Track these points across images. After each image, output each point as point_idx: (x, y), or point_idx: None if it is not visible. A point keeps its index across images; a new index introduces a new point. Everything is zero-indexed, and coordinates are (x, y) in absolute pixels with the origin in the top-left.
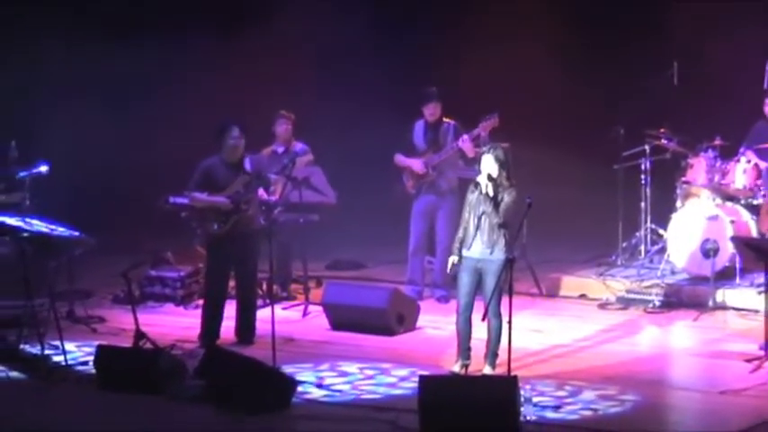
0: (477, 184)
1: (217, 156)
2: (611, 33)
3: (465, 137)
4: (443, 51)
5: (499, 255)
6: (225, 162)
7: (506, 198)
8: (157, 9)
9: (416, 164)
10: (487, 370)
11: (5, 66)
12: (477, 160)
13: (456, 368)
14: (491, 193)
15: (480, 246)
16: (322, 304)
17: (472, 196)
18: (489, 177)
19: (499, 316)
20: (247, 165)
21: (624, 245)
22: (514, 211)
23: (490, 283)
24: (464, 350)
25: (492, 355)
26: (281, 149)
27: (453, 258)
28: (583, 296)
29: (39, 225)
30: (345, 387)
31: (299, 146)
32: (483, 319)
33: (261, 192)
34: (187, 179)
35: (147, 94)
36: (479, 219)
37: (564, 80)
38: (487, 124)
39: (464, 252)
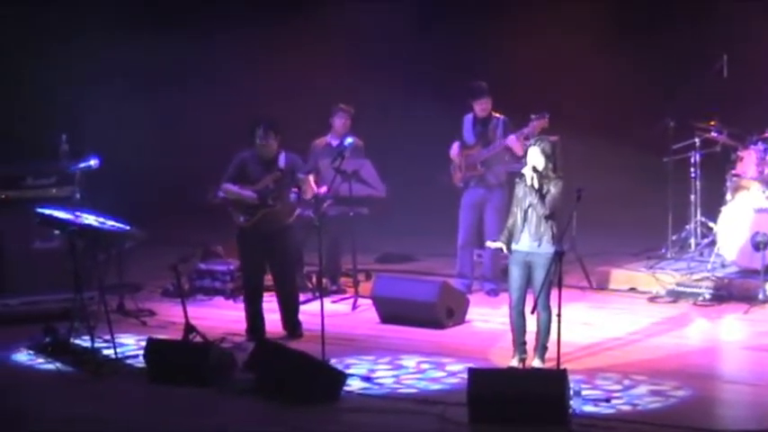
0: (522, 177)
1: (252, 149)
2: (661, 25)
3: (512, 137)
4: (488, 40)
5: (547, 247)
6: (259, 157)
7: (552, 190)
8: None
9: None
10: (537, 363)
11: (50, 58)
12: (523, 155)
13: (513, 362)
14: (536, 186)
15: (528, 239)
16: (371, 297)
17: (519, 189)
18: (534, 169)
19: (548, 309)
20: (282, 161)
21: (674, 238)
22: (562, 202)
23: (539, 276)
24: (519, 344)
25: (541, 348)
26: (335, 142)
27: (500, 244)
28: (632, 289)
29: (89, 219)
30: (394, 380)
31: (349, 139)
32: (532, 312)
33: (293, 190)
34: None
35: (196, 84)
36: (526, 211)
37: (614, 73)
38: (537, 124)
39: (513, 245)
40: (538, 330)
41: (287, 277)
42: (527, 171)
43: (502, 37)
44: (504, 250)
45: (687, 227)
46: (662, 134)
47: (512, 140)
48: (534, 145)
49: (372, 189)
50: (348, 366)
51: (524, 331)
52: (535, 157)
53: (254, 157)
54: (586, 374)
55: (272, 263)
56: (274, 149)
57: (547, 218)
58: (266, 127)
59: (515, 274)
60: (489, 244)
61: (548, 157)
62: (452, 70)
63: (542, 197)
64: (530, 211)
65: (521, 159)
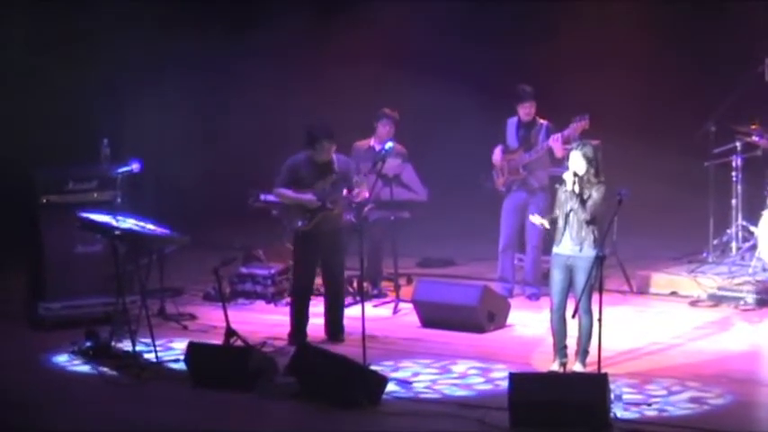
0: (563, 181)
1: (305, 153)
2: (702, 29)
3: (556, 136)
4: (532, 46)
5: (588, 251)
6: (313, 160)
7: (594, 194)
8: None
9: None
10: (578, 367)
11: (89, 62)
12: (564, 159)
13: (554, 367)
14: (577, 191)
15: (569, 242)
16: (412, 301)
17: (561, 193)
18: (575, 174)
19: (590, 313)
20: (336, 164)
21: (715, 242)
22: (604, 207)
23: (580, 280)
24: (560, 348)
25: (583, 352)
26: (378, 147)
27: (543, 220)
28: (674, 293)
29: (130, 223)
30: (434, 384)
31: (390, 143)
32: (573, 316)
33: (345, 192)
34: (276, 177)
35: (239, 88)
36: (567, 215)
37: (655, 77)
38: (578, 126)
39: (554, 249)
40: (579, 334)
41: (338, 279)
42: (568, 176)
43: (546, 42)
44: (546, 225)
45: (728, 231)
46: (703, 139)
47: (555, 140)
48: (576, 149)
49: (414, 193)
50: (389, 370)
51: (565, 335)
52: (577, 162)
53: (307, 160)
54: (627, 379)
55: (324, 264)
56: (330, 155)
57: (588, 223)
58: (329, 140)
59: (557, 277)
60: (533, 219)
61: (589, 162)
62: (498, 75)
63: (583, 202)
64: (571, 215)
65: (561, 162)
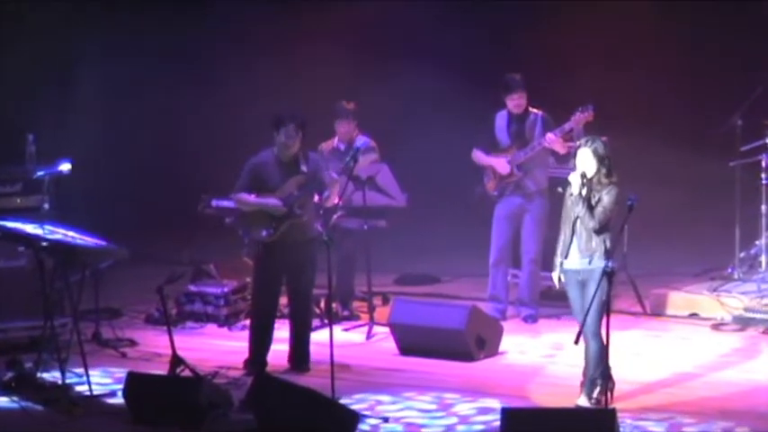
0: (569, 184)
1: (269, 150)
2: (727, 18)
3: (551, 135)
4: (527, 33)
5: (599, 264)
6: (278, 159)
7: (605, 198)
8: None
9: (499, 162)
10: (582, 401)
11: (14, 52)
12: (571, 156)
13: (581, 401)
14: (584, 194)
15: (578, 255)
16: (389, 325)
17: (567, 198)
18: (583, 176)
19: (599, 337)
20: (303, 163)
21: (742, 255)
22: (617, 213)
23: (589, 297)
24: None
25: (590, 383)
26: (343, 146)
27: (555, 274)
28: (693, 315)
29: (60, 233)
30: (416, 421)
31: (361, 139)
32: (576, 342)
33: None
34: (234, 179)
35: (188, 81)
36: (574, 223)
37: (671, 66)
38: (580, 118)
39: (564, 263)
40: (586, 363)
41: (305, 298)
42: (574, 177)
43: (543, 28)
44: (556, 281)
45: (757, 242)
46: (729, 134)
47: (551, 138)
48: (585, 146)
49: (390, 198)
50: (362, 405)
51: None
52: (586, 161)
53: (270, 160)
54: (639, 414)
55: (290, 282)
56: (297, 149)
57: (598, 231)
58: (298, 123)
59: (573, 295)
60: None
61: (601, 161)
62: (487, 65)
63: (590, 207)
64: (578, 223)
65: (566, 161)
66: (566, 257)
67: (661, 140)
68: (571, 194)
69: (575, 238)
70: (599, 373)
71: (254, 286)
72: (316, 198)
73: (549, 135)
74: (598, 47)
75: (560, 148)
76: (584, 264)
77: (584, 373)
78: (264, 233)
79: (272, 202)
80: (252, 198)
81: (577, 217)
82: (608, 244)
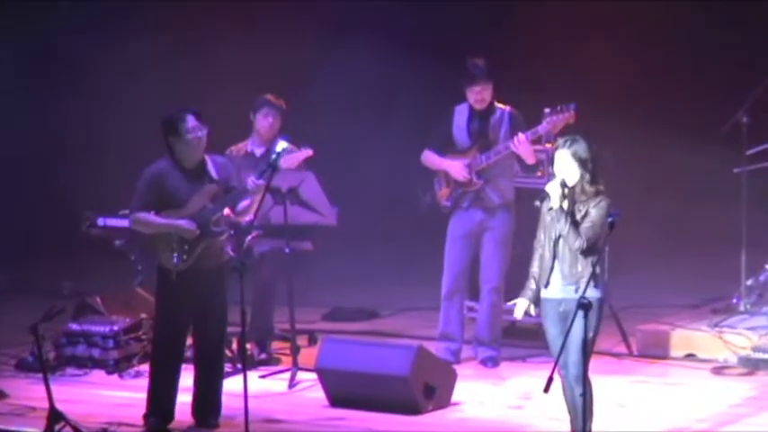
0: (547, 195)
1: (166, 159)
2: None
3: (521, 136)
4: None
5: (588, 292)
6: (180, 167)
7: (592, 212)
8: None
9: (455, 166)
10: None
11: None
12: (538, 166)
13: None
14: (566, 207)
15: (560, 281)
16: (317, 370)
17: (546, 212)
18: (563, 184)
19: (583, 381)
20: (212, 169)
21: (749, 282)
22: (604, 229)
23: (574, 333)
24: None
25: None
26: (260, 150)
27: (523, 302)
28: (690, 356)
29: None
30: None
31: (282, 143)
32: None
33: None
34: (127, 193)
35: (71, 76)
36: (556, 243)
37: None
38: (557, 120)
39: (542, 293)
40: (572, 415)
41: (216, 338)
42: (551, 187)
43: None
44: (531, 311)
45: (767, 266)
46: (733, 135)
47: (520, 143)
48: (564, 147)
49: (318, 214)
50: None
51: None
52: (565, 166)
53: (172, 168)
54: None
55: (199, 318)
56: (203, 150)
57: (585, 253)
58: (198, 116)
59: (552, 333)
60: (517, 309)
61: (583, 165)
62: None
63: (575, 224)
64: (560, 243)
65: (534, 171)
66: (546, 286)
67: (651, 141)
68: (550, 209)
69: (556, 262)
70: (591, 424)
71: (158, 322)
72: (226, 211)
73: (521, 135)
74: (581, 24)
75: (530, 156)
76: (569, 292)
77: (573, 425)
78: (176, 259)
79: (181, 223)
80: (155, 218)
81: (560, 235)
82: (598, 268)
